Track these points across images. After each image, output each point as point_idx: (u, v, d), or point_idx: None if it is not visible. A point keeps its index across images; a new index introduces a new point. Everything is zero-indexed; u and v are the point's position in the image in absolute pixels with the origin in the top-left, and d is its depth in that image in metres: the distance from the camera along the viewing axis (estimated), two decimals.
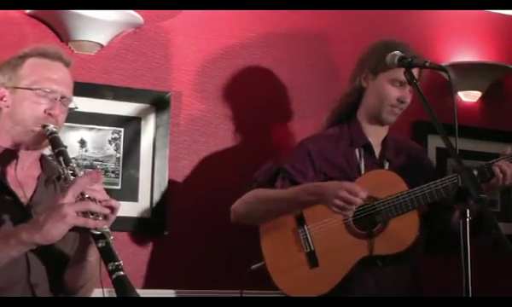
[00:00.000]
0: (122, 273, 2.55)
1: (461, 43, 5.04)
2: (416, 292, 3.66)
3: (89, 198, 2.63)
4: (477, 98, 5.04)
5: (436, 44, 4.96)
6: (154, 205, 4.19)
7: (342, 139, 3.74)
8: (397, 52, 3.23)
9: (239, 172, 4.28)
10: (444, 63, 4.60)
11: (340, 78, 4.60)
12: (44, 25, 3.98)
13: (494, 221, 2.61)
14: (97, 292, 2.98)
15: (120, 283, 2.53)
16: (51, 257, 2.71)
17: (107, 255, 2.59)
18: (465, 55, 5.01)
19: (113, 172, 4.11)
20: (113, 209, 2.69)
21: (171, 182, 4.24)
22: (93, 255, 2.81)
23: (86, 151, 4.04)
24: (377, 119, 3.72)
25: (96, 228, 2.61)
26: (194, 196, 4.27)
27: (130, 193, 4.13)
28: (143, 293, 2.58)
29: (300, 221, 3.62)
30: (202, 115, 4.37)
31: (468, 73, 4.90)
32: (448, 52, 4.98)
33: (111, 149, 4.13)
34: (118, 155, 4.15)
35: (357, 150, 3.71)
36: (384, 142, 3.77)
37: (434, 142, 4.76)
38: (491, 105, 5.12)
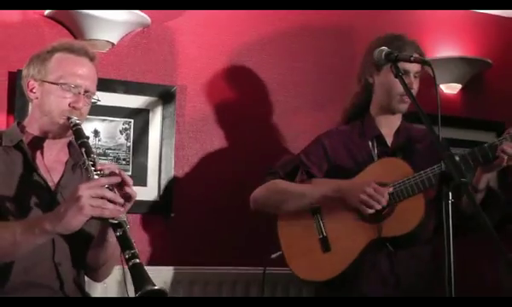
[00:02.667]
0: (138, 260, 2.57)
1: (443, 39, 5.05)
2: (436, 275, 3.47)
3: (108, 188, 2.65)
4: (458, 90, 5.05)
5: (420, 40, 4.92)
6: (161, 189, 4.21)
7: (355, 133, 3.68)
8: (383, 48, 3.22)
9: (238, 160, 4.32)
10: (428, 57, 4.60)
11: (333, 73, 4.63)
12: (61, 25, 3.99)
13: (475, 202, 2.63)
14: (118, 269, 3.01)
15: (136, 270, 2.55)
16: (75, 237, 2.71)
17: (124, 244, 2.61)
18: (447, 50, 5.02)
19: (123, 160, 4.12)
20: (130, 197, 2.72)
21: (176, 169, 4.26)
22: (113, 236, 2.82)
23: (99, 140, 4.06)
24: (389, 110, 3.63)
25: (112, 218, 2.62)
26: (198, 181, 4.29)
27: (139, 178, 4.13)
28: (150, 270, 2.58)
29: (314, 209, 3.56)
30: (205, 107, 4.38)
31: (450, 67, 4.91)
32: (431, 47, 4.98)
33: (122, 139, 4.13)
34: (128, 144, 4.15)
35: (370, 142, 3.62)
36: (397, 132, 3.67)
37: None
38: (470, 96, 5.12)
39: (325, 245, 3.52)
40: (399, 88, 3.46)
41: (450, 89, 5.02)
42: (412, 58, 3.12)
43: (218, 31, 4.45)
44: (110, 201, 2.61)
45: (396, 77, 3.13)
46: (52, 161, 2.99)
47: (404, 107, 3.61)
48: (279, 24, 4.59)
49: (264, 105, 4.52)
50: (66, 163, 3.03)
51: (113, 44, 4.05)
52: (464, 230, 3.60)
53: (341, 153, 3.64)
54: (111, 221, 2.64)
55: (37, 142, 2.97)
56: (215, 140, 4.39)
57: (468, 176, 3.36)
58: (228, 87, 4.45)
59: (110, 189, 2.65)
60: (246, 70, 4.51)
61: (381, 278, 3.47)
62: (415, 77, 3.59)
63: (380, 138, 3.63)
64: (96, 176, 2.71)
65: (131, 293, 3.74)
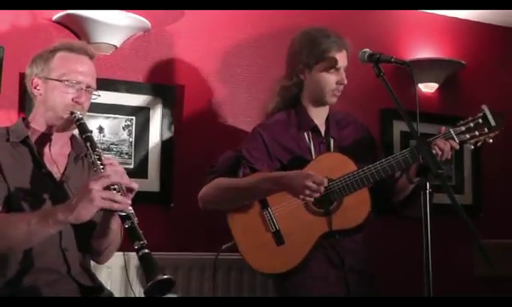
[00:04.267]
0: (146, 251, 2.56)
1: (421, 42, 5.07)
2: (366, 254, 3.61)
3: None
4: (434, 89, 5.08)
5: (400, 43, 4.98)
6: (161, 181, 4.22)
7: (291, 125, 3.62)
8: (366, 49, 3.22)
9: None
10: (406, 59, 4.61)
11: None
12: (68, 30, 3.99)
13: (451, 192, 2.63)
14: (121, 255, 3.02)
15: (145, 259, 2.55)
16: (80, 224, 2.69)
17: (134, 235, 2.61)
18: (425, 52, 5.05)
19: (126, 154, 4.12)
20: (132, 190, 2.72)
21: (175, 162, 4.27)
22: (115, 224, 2.85)
23: (104, 136, 4.06)
24: (321, 103, 3.62)
25: (121, 210, 2.62)
26: (195, 173, 4.26)
27: (141, 171, 4.16)
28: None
29: (264, 204, 3.50)
30: (201, 105, 4.40)
31: (427, 68, 4.95)
32: (410, 50, 5.01)
33: (125, 134, 4.14)
34: (130, 139, 4.16)
35: (305, 133, 3.60)
36: (327, 121, 3.65)
37: (399, 127, 4.78)
38: (446, 94, 5.16)
39: (278, 238, 3.47)
40: (331, 84, 3.55)
41: (427, 88, 5.05)
42: (392, 59, 3.13)
43: (213, 35, 4.47)
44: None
45: (378, 76, 3.13)
46: (56, 154, 3.00)
47: (335, 100, 3.62)
48: (269, 27, 4.62)
49: (255, 103, 4.52)
50: (68, 155, 3.04)
51: (116, 47, 4.05)
52: (395, 212, 3.67)
53: (280, 146, 3.59)
54: (120, 214, 2.63)
55: (42, 137, 2.98)
56: (211, 135, 4.39)
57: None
58: (222, 86, 4.47)
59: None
60: (239, 70, 4.53)
61: (329, 260, 3.49)
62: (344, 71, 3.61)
63: (315, 129, 3.62)
64: (102, 170, 2.71)
65: (133, 278, 3.77)
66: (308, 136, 3.61)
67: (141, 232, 2.62)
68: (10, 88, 3.83)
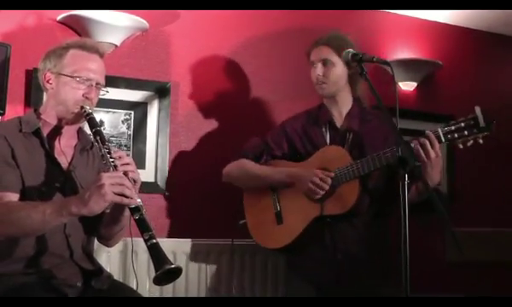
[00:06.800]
0: (155, 241, 2.57)
1: (401, 43, 5.09)
2: (367, 242, 3.57)
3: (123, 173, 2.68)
4: (413, 87, 5.09)
5: (382, 44, 4.99)
6: (157, 171, 4.21)
7: (312, 119, 3.71)
8: (350, 50, 3.23)
9: (224, 145, 4.31)
10: (387, 59, 4.61)
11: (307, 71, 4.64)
12: (72, 30, 3.97)
13: (427, 183, 2.64)
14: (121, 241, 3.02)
15: (154, 250, 2.56)
16: None
17: (143, 226, 2.61)
18: (404, 53, 5.07)
19: (125, 146, 4.12)
20: (135, 181, 2.73)
21: (171, 154, 4.27)
22: (127, 211, 2.83)
23: (104, 129, 4.03)
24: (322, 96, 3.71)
25: (130, 204, 2.64)
26: (189, 164, 4.31)
27: (138, 162, 4.10)
28: None
29: (273, 188, 3.69)
30: (195, 100, 4.39)
31: (407, 67, 4.96)
32: (391, 50, 5.03)
33: (124, 128, 4.13)
34: (129, 132, 4.15)
35: (323, 127, 3.65)
36: (348, 115, 3.63)
37: None
38: (424, 93, 5.18)
39: (279, 218, 3.65)
40: (313, 78, 3.63)
41: (406, 86, 5.06)
42: (374, 59, 3.13)
43: (206, 35, 4.47)
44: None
45: (360, 75, 3.13)
46: (64, 145, 2.99)
47: (321, 91, 3.64)
48: (260, 28, 4.63)
49: (245, 98, 4.55)
50: (75, 147, 3.04)
51: (116, 46, 4.04)
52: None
53: (299, 137, 3.71)
54: (130, 206, 2.64)
55: (52, 129, 2.98)
56: (203, 128, 4.40)
57: None
58: (215, 83, 4.47)
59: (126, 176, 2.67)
60: (231, 68, 4.53)
61: (323, 244, 3.54)
62: (325, 65, 3.61)
63: (331, 123, 3.65)
64: (111, 162, 2.72)
65: (130, 262, 3.76)
66: (325, 129, 3.66)
67: (149, 223, 2.62)
68: (17, 84, 3.81)
